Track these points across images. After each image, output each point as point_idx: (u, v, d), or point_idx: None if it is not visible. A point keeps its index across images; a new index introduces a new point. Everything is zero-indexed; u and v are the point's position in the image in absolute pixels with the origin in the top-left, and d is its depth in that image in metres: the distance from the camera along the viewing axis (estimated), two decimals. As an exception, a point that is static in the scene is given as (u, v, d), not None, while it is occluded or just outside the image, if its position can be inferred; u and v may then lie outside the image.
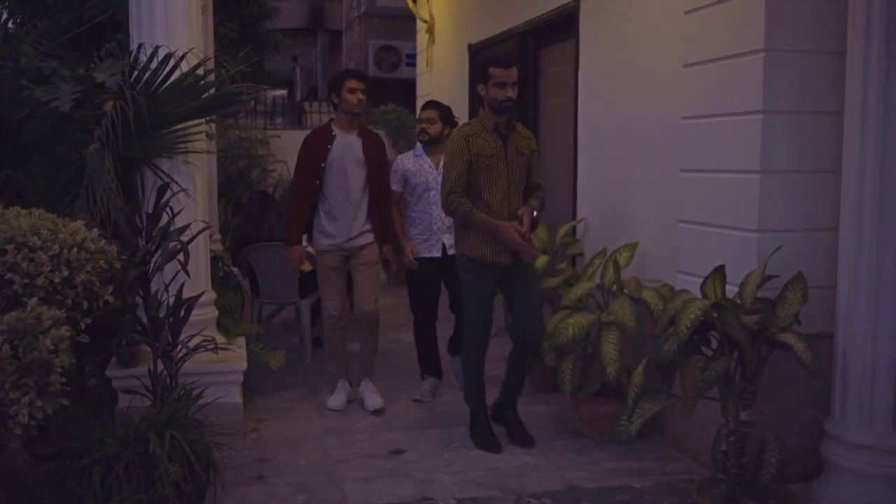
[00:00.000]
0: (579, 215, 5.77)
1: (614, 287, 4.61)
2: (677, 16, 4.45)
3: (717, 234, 4.17)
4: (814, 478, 3.81)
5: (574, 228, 5.79)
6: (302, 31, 18.36)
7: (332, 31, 19.02)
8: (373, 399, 5.21)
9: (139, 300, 4.02)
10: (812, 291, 3.91)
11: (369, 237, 5.23)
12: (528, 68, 6.85)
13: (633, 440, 3.90)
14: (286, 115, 15.73)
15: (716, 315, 3.58)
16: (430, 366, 5.52)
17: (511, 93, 4.38)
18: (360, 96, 5.08)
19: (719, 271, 3.73)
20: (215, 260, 6.19)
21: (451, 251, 5.12)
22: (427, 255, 5.31)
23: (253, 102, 12.45)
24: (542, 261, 5.42)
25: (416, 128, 5.46)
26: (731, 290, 3.77)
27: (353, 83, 5.06)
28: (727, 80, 4.05)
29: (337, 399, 5.26)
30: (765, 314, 3.55)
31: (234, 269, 6.74)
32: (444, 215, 4.97)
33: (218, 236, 7.26)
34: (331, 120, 5.24)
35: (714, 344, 3.74)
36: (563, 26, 6.10)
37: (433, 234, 5.28)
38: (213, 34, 7.69)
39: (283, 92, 21.74)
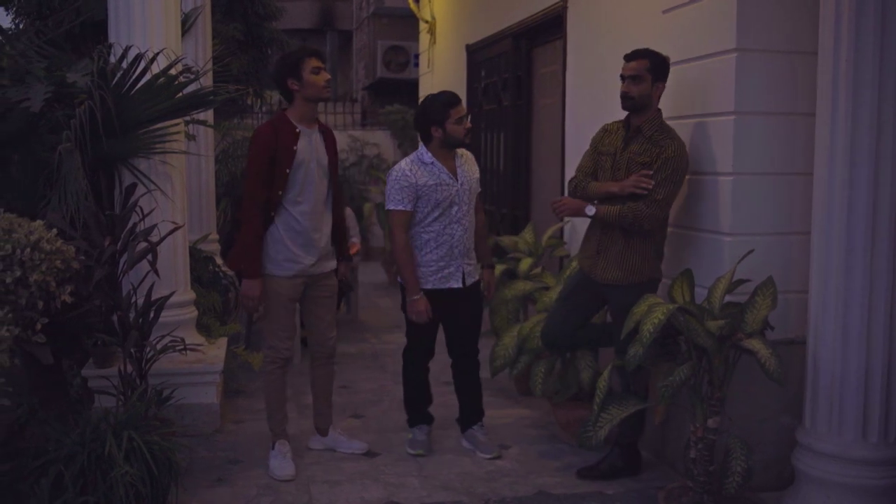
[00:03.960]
0: (566, 217, 5.70)
1: (591, 290, 4.55)
2: (657, 15, 4.39)
3: (691, 236, 4.11)
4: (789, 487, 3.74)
5: (561, 231, 5.73)
6: (312, 31, 18.39)
7: (342, 32, 19.03)
8: (353, 444, 4.51)
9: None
10: (787, 296, 3.86)
11: (333, 262, 4.36)
12: (521, 69, 6.81)
13: (601, 446, 3.84)
14: None
15: (682, 320, 3.52)
16: (421, 411, 4.64)
17: (625, 87, 3.91)
18: (327, 76, 4.13)
19: (686, 275, 3.67)
20: (206, 260, 6.21)
21: (470, 279, 4.40)
22: (444, 287, 4.33)
23: (260, 102, 12.47)
24: (525, 263, 5.39)
25: (458, 129, 4.24)
26: (704, 294, 3.72)
27: (314, 61, 4.05)
28: (701, 80, 3.99)
29: (285, 465, 4.20)
30: (731, 319, 3.48)
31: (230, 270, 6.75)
32: (465, 235, 4.32)
33: (215, 237, 7.27)
34: (283, 111, 4.18)
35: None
36: (552, 27, 6.06)
37: (453, 259, 4.30)
38: (217, 34, 7.72)
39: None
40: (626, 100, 3.94)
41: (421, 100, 4.45)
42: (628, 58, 3.97)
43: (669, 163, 3.81)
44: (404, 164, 4.32)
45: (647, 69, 3.90)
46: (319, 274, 4.26)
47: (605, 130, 4.17)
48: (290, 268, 4.15)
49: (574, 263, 4.62)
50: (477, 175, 4.45)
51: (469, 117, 4.36)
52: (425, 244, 4.30)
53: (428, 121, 4.26)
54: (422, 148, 4.35)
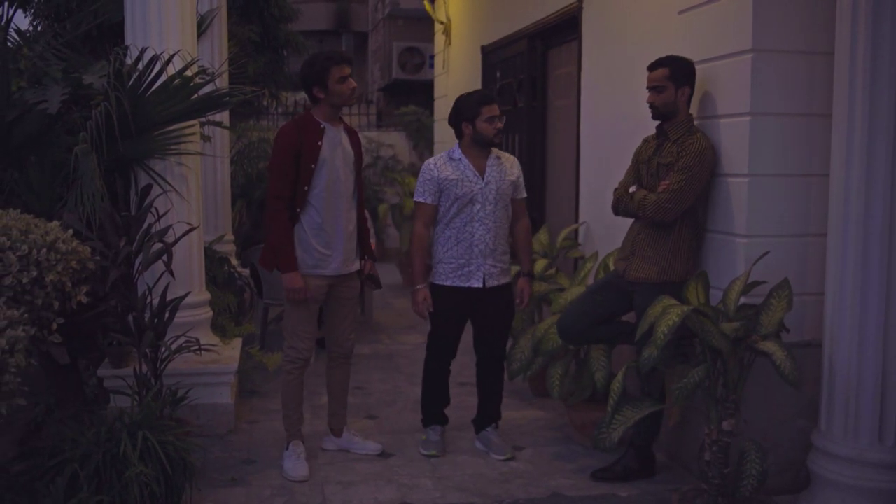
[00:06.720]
0: (581, 219, 5.70)
1: (605, 292, 4.53)
2: (672, 16, 4.38)
3: (706, 237, 4.08)
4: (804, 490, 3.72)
5: (576, 232, 5.71)
6: (328, 32, 18.45)
7: (357, 33, 19.09)
8: (367, 445, 4.52)
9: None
10: (804, 298, 3.84)
11: (357, 263, 4.35)
12: (536, 70, 6.80)
13: (615, 448, 3.82)
14: None
15: (697, 321, 3.50)
16: (437, 411, 4.65)
17: (650, 97, 3.97)
18: (353, 84, 4.16)
19: (701, 276, 3.65)
20: (221, 261, 6.23)
21: (491, 282, 4.39)
22: (464, 285, 4.37)
23: (276, 104, 12.51)
24: (540, 264, 5.38)
25: (487, 127, 4.31)
26: (719, 296, 3.70)
27: (343, 70, 4.09)
28: (716, 81, 3.97)
29: (299, 466, 4.21)
30: (746, 321, 3.46)
31: (245, 270, 6.78)
32: (487, 235, 4.34)
33: (230, 237, 7.31)
34: (308, 110, 4.22)
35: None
36: (567, 28, 6.04)
37: (474, 258, 4.33)
38: (232, 36, 7.75)
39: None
40: (652, 109, 4.00)
41: (455, 98, 4.50)
42: (650, 68, 4.01)
43: (685, 157, 3.83)
44: (433, 158, 4.45)
45: (667, 77, 3.92)
46: (345, 274, 4.27)
47: (644, 141, 4.19)
48: (316, 269, 4.16)
49: (609, 260, 4.64)
50: (513, 178, 4.44)
51: (503, 118, 4.39)
52: (447, 241, 4.37)
53: (460, 117, 4.37)
54: (455, 145, 4.45)
